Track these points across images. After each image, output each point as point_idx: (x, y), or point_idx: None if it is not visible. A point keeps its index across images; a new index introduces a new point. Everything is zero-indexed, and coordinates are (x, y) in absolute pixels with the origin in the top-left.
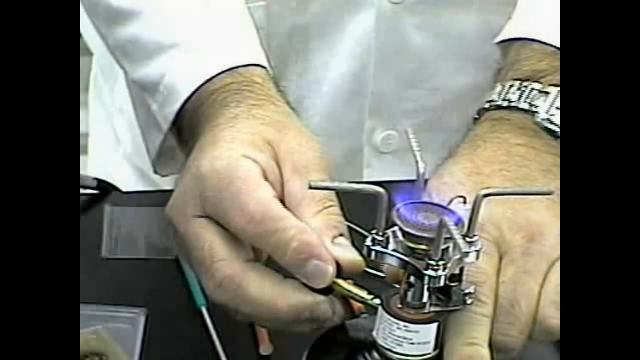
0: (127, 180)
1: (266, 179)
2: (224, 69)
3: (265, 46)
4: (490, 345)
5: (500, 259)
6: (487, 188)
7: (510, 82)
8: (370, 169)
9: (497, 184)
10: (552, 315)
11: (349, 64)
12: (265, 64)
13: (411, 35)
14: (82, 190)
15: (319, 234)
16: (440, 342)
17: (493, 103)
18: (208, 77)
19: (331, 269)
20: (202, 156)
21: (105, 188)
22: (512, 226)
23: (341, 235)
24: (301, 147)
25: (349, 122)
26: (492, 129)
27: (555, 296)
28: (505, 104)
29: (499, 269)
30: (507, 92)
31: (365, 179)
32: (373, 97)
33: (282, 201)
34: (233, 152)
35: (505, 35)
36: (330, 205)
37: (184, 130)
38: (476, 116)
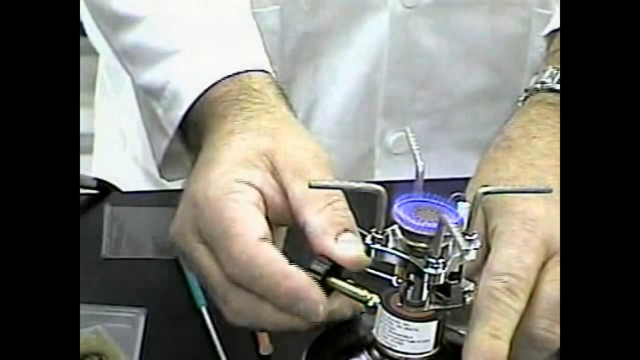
0: (134, 181)
1: (263, 197)
2: (225, 75)
3: (278, 50)
4: (511, 345)
5: (548, 258)
6: (486, 186)
7: None
8: (381, 170)
9: (551, 180)
10: None
11: (361, 66)
12: (267, 67)
13: (424, 38)
14: (82, 190)
15: (323, 232)
16: (440, 340)
17: (545, 85)
18: (210, 83)
19: (321, 308)
20: (197, 180)
21: (105, 188)
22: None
23: (346, 230)
24: (297, 150)
25: (361, 124)
26: (547, 114)
27: None
28: (558, 87)
29: (544, 267)
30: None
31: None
32: (385, 99)
33: (290, 205)
34: (227, 177)
35: (553, 26)
36: (335, 201)
37: (191, 135)
38: (523, 95)
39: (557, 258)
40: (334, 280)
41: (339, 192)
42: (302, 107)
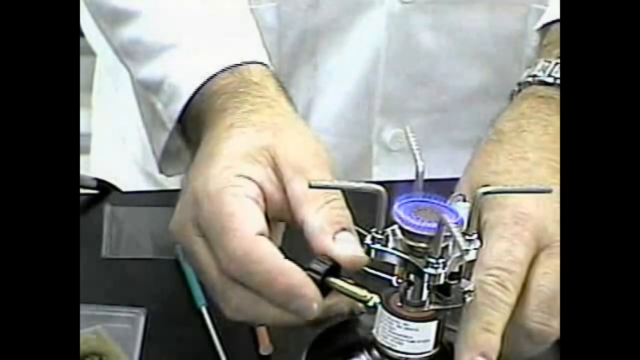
0: (132, 181)
1: (262, 192)
2: (222, 67)
3: (276, 47)
4: (503, 337)
5: (539, 251)
6: (486, 186)
7: (556, 60)
8: (379, 167)
9: (544, 173)
10: None
11: (359, 64)
12: (265, 60)
13: (421, 34)
14: (82, 190)
15: (321, 231)
16: (440, 340)
17: (537, 78)
18: (208, 76)
19: (315, 305)
20: (198, 174)
21: (105, 188)
22: (558, 220)
23: (344, 229)
24: (298, 147)
25: (359, 122)
26: (538, 107)
27: None
28: (550, 80)
29: (536, 260)
30: (553, 70)
31: (374, 177)
32: (383, 96)
33: (288, 203)
34: (227, 171)
35: (547, 19)
36: (333, 199)
37: (189, 129)
38: (516, 88)
39: (549, 251)
40: (333, 280)
41: (337, 190)
42: (299, 105)
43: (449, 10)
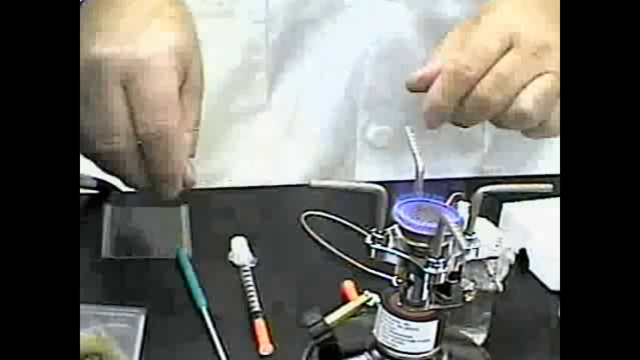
0: None
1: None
2: None
3: (264, 40)
4: None
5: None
6: (484, 186)
7: None
8: (362, 164)
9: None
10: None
11: (346, 57)
12: None
13: (407, 30)
14: (82, 190)
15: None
16: (440, 340)
17: None
18: None
19: (175, 193)
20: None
21: (105, 188)
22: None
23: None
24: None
25: (343, 118)
26: None
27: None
28: None
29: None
30: None
31: (357, 174)
32: (368, 91)
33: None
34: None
35: None
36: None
37: None
38: None
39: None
40: (332, 320)
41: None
42: (287, 98)
43: (435, 5)
